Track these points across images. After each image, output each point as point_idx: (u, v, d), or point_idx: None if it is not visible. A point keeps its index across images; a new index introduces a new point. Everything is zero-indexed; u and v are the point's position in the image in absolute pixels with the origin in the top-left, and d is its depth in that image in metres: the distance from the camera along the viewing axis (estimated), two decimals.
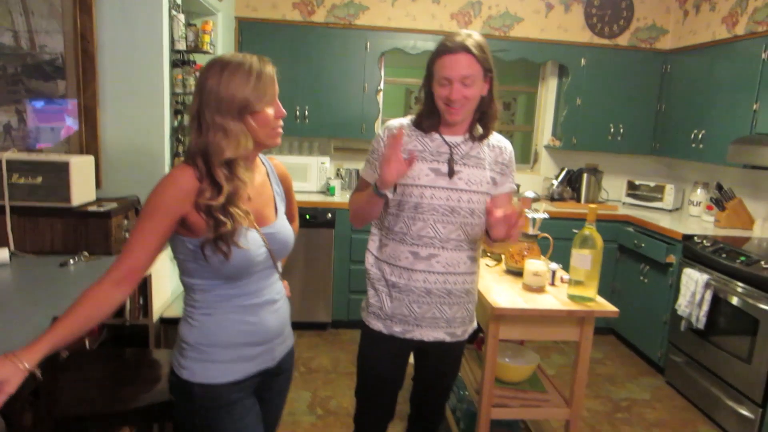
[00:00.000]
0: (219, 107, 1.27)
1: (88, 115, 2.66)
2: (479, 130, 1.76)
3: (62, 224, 2.33)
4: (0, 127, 2.65)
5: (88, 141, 2.68)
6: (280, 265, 1.52)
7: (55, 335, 1.15)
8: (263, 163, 1.53)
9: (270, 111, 1.35)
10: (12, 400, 1.08)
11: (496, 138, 1.80)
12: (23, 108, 2.66)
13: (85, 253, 2.27)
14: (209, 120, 1.28)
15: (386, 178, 1.56)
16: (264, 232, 1.40)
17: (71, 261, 2.20)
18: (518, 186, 4.16)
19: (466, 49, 1.61)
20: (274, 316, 1.46)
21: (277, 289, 1.49)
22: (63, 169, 2.32)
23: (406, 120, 1.79)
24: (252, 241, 1.35)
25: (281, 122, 1.40)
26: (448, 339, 1.81)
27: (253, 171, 1.42)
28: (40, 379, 1.14)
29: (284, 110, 1.39)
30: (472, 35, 1.65)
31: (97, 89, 2.65)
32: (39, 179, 2.32)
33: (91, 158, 2.52)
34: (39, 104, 2.66)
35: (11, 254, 2.20)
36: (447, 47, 1.63)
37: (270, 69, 1.35)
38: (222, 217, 1.26)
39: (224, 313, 1.37)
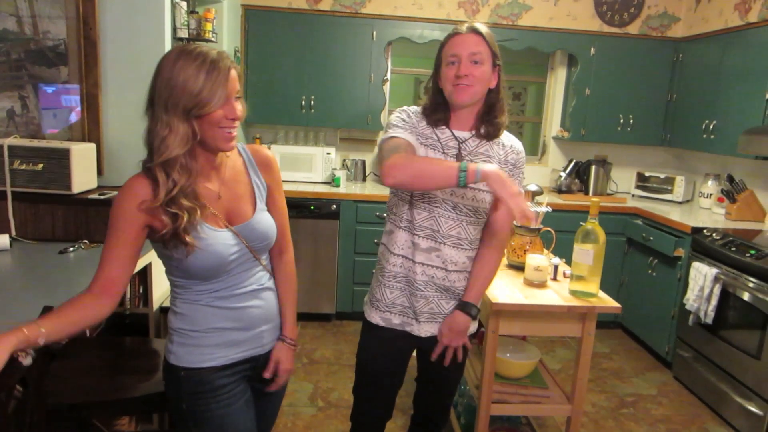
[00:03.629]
0: (166, 102, 1.21)
1: (90, 102, 2.65)
2: (485, 127, 1.69)
3: (63, 211, 2.32)
4: (3, 113, 2.65)
5: (90, 128, 2.67)
6: (265, 257, 1.48)
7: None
8: (240, 153, 1.45)
9: (220, 111, 1.25)
10: None
11: (508, 138, 1.76)
12: (26, 94, 2.65)
13: (85, 241, 2.27)
14: (158, 113, 1.22)
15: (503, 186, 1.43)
16: (238, 229, 1.36)
17: (71, 248, 2.20)
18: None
19: (475, 30, 1.62)
20: (258, 302, 1.44)
21: (261, 279, 1.46)
22: (64, 156, 2.32)
23: (418, 108, 1.75)
24: (222, 241, 1.32)
25: (235, 124, 1.28)
26: None
27: (219, 168, 1.37)
28: (31, 354, 1.12)
29: (238, 113, 1.27)
30: (481, 25, 1.66)
31: (99, 76, 2.64)
32: (40, 166, 2.32)
33: (92, 146, 2.51)
34: (42, 90, 2.65)
35: (12, 240, 2.21)
36: (457, 29, 1.64)
37: (225, 65, 1.23)
38: (167, 215, 1.24)
39: (206, 303, 1.37)
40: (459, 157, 1.67)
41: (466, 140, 1.69)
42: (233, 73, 1.26)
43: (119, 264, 1.26)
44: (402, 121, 1.70)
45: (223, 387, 1.38)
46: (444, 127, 1.70)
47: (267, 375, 1.47)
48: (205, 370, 1.36)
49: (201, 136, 1.25)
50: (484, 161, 1.68)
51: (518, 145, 1.77)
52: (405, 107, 1.76)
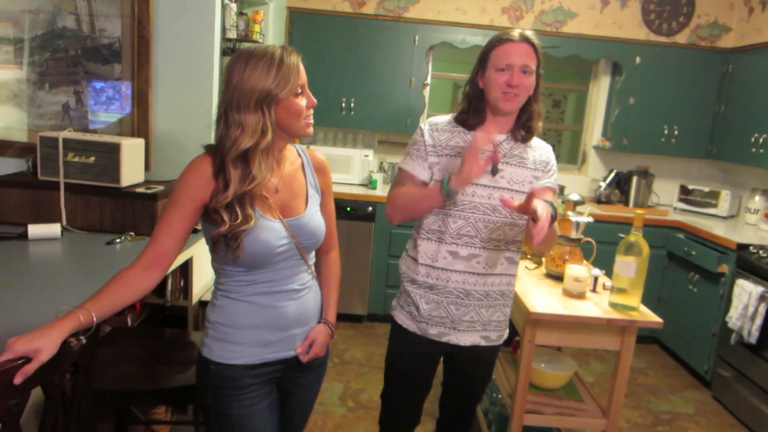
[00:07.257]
0: (239, 103, 1.27)
1: (141, 99, 2.74)
2: (521, 132, 1.71)
3: (111, 203, 2.40)
4: (59, 107, 2.76)
5: (139, 124, 2.76)
6: (311, 258, 1.50)
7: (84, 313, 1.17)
8: (299, 154, 1.51)
9: (301, 101, 1.33)
10: (51, 373, 1.12)
11: (535, 140, 1.77)
12: (81, 89, 2.75)
13: (131, 233, 2.34)
14: (230, 116, 1.28)
15: (469, 179, 1.49)
16: (289, 222, 1.39)
17: (117, 240, 2.27)
18: (563, 187, 4.05)
19: (528, 40, 1.61)
20: (296, 304, 1.44)
21: (303, 279, 1.47)
22: (114, 150, 2.39)
23: (449, 117, 1.76)
24: (272, 231, 1.35)
25: (311, 111, 1.38)
26: (483, 343, 1.77)
27: (281, 162, 1.41)
28: (81, 341, 1.16)
29: (315, 99, 1.37)
30: (529, 32, 1.65)
31: (150, 74, 2.72)
32: (92, 159, 2.40)
33: (141, 141, 2.59)
34: (96, 86, 2.75)
35: (63, 229, 2.29)
36: (509, 36, 1.62)
37: (294, 58, 1.30)
38: (225, 216, 1.27)
39: (244, 296, 1.39)
40: (495, 159, 1.67)
41: (501, 142, 1.70)
42: (302, 66, 1.32)
43: (173, 238, 1.31)
44: (414, 146, 1.73)
45: (249, 386, 1.40)
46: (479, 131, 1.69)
47: (299, 350, 1.47)
48: (234, 366, 1.38)
49: (281, 124, 1.32)
50: (518, 163, 1.69)
51: (546, 145, 1.80)
52: (432, 119, 1.76)
